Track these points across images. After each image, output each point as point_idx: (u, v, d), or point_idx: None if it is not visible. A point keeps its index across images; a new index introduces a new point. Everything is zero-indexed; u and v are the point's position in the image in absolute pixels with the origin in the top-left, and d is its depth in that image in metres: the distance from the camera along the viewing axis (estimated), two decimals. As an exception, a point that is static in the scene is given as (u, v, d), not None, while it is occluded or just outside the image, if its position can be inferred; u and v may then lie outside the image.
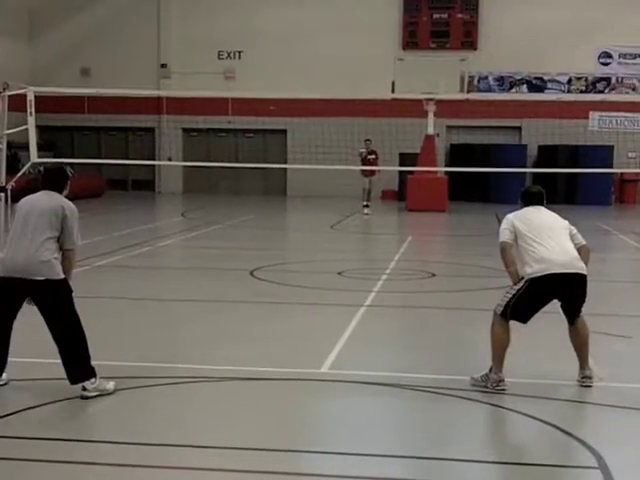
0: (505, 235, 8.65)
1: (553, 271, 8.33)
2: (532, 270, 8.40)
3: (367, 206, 28.68)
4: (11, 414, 7.56)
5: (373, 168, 27.99)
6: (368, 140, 29.24)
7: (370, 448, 6.95)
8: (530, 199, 8.93)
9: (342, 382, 8.76)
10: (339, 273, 15.79)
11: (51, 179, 8.30)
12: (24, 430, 7.23)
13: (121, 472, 6.43)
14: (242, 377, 8.86)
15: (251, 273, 15.61)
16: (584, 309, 8.67)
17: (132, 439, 7.04)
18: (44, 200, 8.10)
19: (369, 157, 28.46)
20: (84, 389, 7.98)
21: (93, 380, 8.00)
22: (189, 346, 10.30)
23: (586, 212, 29.77)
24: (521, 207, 8.91)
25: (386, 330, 11.60)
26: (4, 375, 8.25)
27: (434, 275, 15.99)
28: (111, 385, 8.15)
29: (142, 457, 6.73)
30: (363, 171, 28.54)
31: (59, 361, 8.06)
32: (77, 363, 7.97)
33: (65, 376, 8.01)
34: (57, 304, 7.97)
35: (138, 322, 11.78)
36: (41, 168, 32.13)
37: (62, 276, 7.97)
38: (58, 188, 8.24)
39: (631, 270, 18.57)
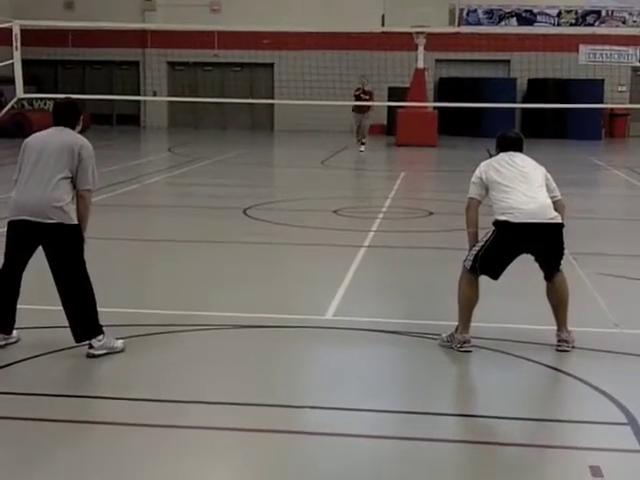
0: (473, 191, 7.99)
1: (521, 220, 7.64)
2: (502, 219, 7.73)
3: (363, 143, 27.28)
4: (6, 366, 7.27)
5: (364, 104, 26.96)
6: (364, 77, 28.15)
7: (378, 403, 6.73)
8: (507, 145, 8.18)
9: (347, 329, 8.44)
10: (335, 211, 15.48)
11: (62, 114, 7.60)
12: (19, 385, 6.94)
13: (122, 431, 6.15)
14: (242, 325, 8.56)
15: (244, 211, 15.31)
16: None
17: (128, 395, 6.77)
18: (56, 137, 7.46)
19: (363, 96, 27.10)
20: (90, 347, 7.42)
21: (100, 337, 7.42)
22: (184, 291, 9.95)
23: (577, 146, 29.52)
24: (497, 153, 8.18)
25: (389, 274, 11.31)
26: (14, 332, 7.66)
27: (431, 214, 15.69)
28: (119, 343, 7.57)
29: (139, 415, 6.46)
30: (355, 107, 27.35)
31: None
32: (83, 320, 7.39)
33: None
34: (67, 252, 7.34)
35: (129, 265, 11.49)
36: (25, 103, 31.69)
37: (75, 222, 7.35)
38: (70, 124, 7.58)
39: (625, 207, 18.30)
